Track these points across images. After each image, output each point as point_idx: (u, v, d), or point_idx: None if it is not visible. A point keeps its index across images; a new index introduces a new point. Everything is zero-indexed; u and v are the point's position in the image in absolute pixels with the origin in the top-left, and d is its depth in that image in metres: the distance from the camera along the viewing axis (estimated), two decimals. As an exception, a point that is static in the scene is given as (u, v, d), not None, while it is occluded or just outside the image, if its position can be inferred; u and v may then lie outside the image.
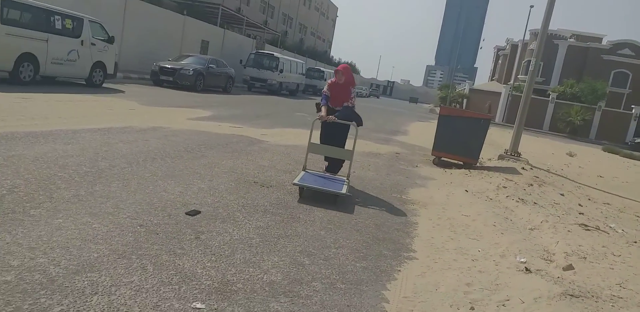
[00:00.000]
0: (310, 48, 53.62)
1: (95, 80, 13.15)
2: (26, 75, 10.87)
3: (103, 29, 13.31)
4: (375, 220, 4.73)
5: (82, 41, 12.36)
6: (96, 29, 13.01)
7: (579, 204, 6.83)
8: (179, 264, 2.97)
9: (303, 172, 5.42)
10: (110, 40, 13.44)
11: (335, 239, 3.97)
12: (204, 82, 18.44)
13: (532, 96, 14.99)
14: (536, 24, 14.11)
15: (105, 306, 2.35)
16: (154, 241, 3.27)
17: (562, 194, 7.25)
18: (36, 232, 3.07)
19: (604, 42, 47.26)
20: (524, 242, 4.38)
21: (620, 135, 34.01)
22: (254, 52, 27.48)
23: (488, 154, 10.76)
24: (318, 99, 6.17)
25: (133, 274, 2.73)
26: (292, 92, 28.62)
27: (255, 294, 2.76)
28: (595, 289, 3.36)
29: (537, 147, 17.08)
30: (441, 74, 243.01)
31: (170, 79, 17.49)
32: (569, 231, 4.87)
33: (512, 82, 41.26)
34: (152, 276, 2.75)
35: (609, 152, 21.30)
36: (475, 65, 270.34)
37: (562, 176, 9.62)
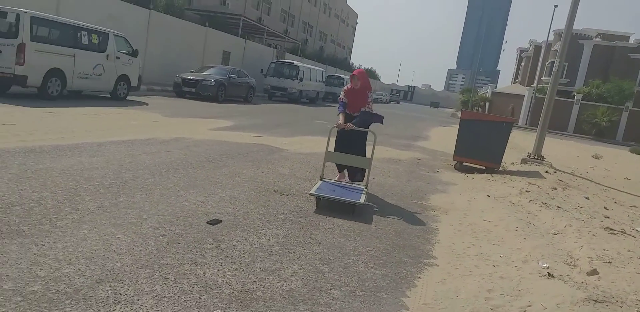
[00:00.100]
0: (330, 55, 53.89)
1: (119, 93, 13.48)
2: (54, 90, 11.21)
3: (127, 42, 13.66)
4: (395, 227, 4.72)
5: (107, 55, 12.70)
6: (121, 43, 13.36)
7: (605, 208, 6.68)
8: (200, 273, 3.02)
9: (320, 182, 5.38)
10: (134, 53, 13.78)
11: (355, 246, 3.98)
12: (225, 92, 18.70)
13: (556, 98, 14.76)
14: (560, 24, 13.92)
15: (128, 315, 2.41)
16: (176, 250, 3.33)
17: (587, 198, 7.11)
18: (62, 243, 3.17)
19: (632, 40, 46.18)
20: (547, 247, 4.31)
21: (650, 136, 33.09)
22: (274, 61, 27.76)
23: (511, 158, 10.61)
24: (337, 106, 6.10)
25: (155, 283, 2.80)
26: (312, 100, 28.76)
27: (275, 302, 2.79)
28: (621, 294, 3.29)
29: (562, 150, 16.76)
30: (463, 78, 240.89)
31: (193, 90, 17.80)
32: (593, 235, 4.77)
33: (535, 84, 40.61)
34: (174, 285, 2.81)
35: (636, 153, 20.72)
36: (497, 68, 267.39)
37: (587, 179, 9.42)
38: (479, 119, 9.15)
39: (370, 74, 70.12)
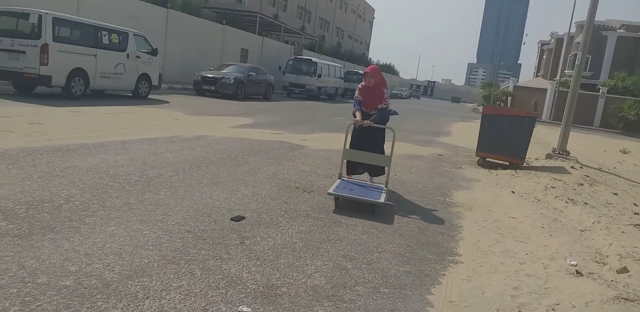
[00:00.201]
0: (348, 51, 53.72)
1: (141, 92, 13.67)
2: (77, 90, 11.42)
3: (147, 41, 13.83)
4: (418, 223, 4.70)
5: (127, 54, 12.89)
6: (140, 42, 13.53)
7: (635, 204, 6.53)
8: (226, 269, 3.06)
9: (339, 180, 5.22)
10: (154, 52, 13.95)
11: (378, 243, 3.97)
12: (244, 90, 18.81)
13: (580, 91, 14.46)
14: (582, 15, 13.61)
15: (157, 310, 2.45)
16: (201, 246, 3.37)
17: (616, 194, 6.95)
18: (91, 239, 3.23)
19: (657, 31, 44.93)
20: (574, 244, 4.23)
21: (680, 130, 32.18)
22: (292, 58, 27.80)
23: (535, 153, 10.45)
24: None
25: (182, 279, 2.83)
26: (331, 96, 28.73)
27: (299, 298, 2.81)
28: (653, 293, 3.21)
29: (588, 144, 16.43)
30: (484, 72, 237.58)
31: (213, 88, 17.95)
32: (623, 232, 4.66)
33: (558, 77, 39.84)
34: (200, 281, 2.85)
35: (666, 147, 20.19)
36: (518, 62, 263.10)
37: (615, 175, 9.22)
38: (501, 114, 9.03)
39: (389, 69, 69.70)
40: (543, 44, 59.63)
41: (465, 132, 16.25)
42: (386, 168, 5.39)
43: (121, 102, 12.17)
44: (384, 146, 5.71)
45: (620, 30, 44.66)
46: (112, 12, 16.49)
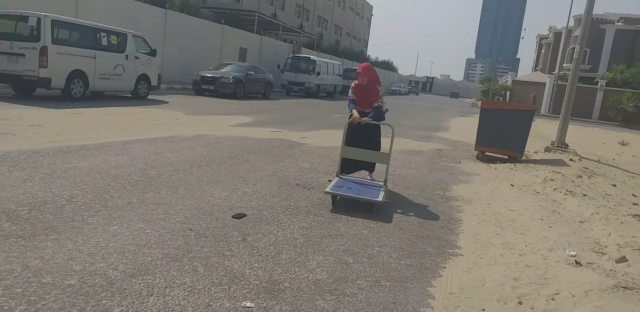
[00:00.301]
0: (347, 49, 53.67)
1: (140, 92, 13.69)
2: (77, 92, 11.45)
3: (145, 42, 13.85)
4: (418, 218, 4.73)
5: (126, 56, 12.90)
6: (139, 43, 13.55)
7: (633, 195, 6.56)
8: (228, 266, 3.09)
9: (337, 179, 5.16)
10: (152, 53, 13.96)
11: (378, 237, 4.01)
12: (243, 89, 18.82)
13: (579, 84, 14.46)
14: (580, 9, 13.62)
15: (161, 307, 2.49)
16: (204, 244, 3.41)
17: (614, 185, 6.98)
18: (95, 238, 3.27)
19: (655, 23, 44.84)
20: (573, 235, 4.27)
21: (679, 121, 32.14)
22: (290, 56, 27.80)
23: (534, 146, 10.47)
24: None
25: (185, 276, 2.87)
26: (330, 94, 28.74)
27: (301, 293, 2.84)
28: (651, 281, 3.25)
29: (586, 137, 16.45)
30: (482, 67, 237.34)
31: (212, 87, 17.97)
32: (621, 222, 4.70)
33: (556, 71, 39.82)
34: (204, 277, 2.88)
35: (666, 138, 20.20)
36: (517, 56, 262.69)
37: (614, 166, 9.24)
38: (500, 108, 9.05)
39: (388, 65, 69.60)
40: (541, 38, 59.56)
41: (464, 127, 16.27)
42: (386, 165, 5.27)
43: (121, 103, 12.20)
44: (381, 142, 5.64)
45: (619, 23, 44.59)
46: (110, 14, 16.51)
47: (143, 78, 13.64)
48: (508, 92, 43.50)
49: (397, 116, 18.49)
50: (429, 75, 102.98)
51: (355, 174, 5.77)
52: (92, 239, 3.25)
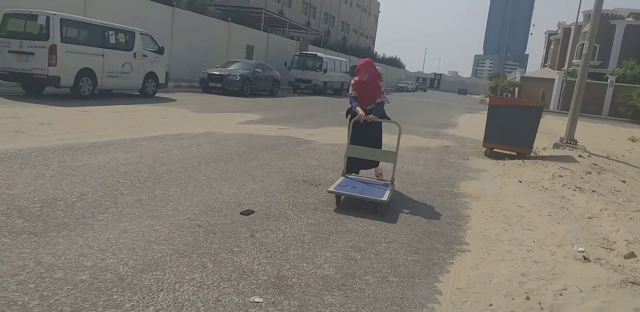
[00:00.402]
0: (354, 45, 53.51)
1: (148, 90, 13.77)
2: (86, 90, 11.54)
3: (153, 40, 13.91)
4: (425, 214, 4.74)
5: (134, 54, 12.98)
6: (147, 41, 13.62)
7: (643, 191, 6.52)
8: (237, 261, 3.12)
9: (342, 178, 5.05)
10: (160, 51, 14.03)
11: (386, 234, 4.02)
12: (250, 86, 18.86)
13: (588, 80, 14.37)
14: (589, 5, 13.49)
15: (171, 302, 2.52)
16: (212, 240, 3.44)
17: (624, 181, 6.94)
18: (105, 235, 3.31)
19: (666, 18, 44.32)
20: (581, 231, 4.25)
21: (690, 117, 31.77)
22: (297, 53, 27.79)
23: (543, 143, 10.42)
24: None
25: (195, 272, 2.90)
26: (337, 91, 28.71)
27: (309, 288, 2.86)
28: (660, 277, 3.23)
29: (596, 133, 16.33)
30: (490, 63, 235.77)
31: (219, 85, 18.02)
32: (630, 218, 4.68)
33: (566, 67, 39.47)
34: (212, 273, 2.91)
35: (677, 135, 19.97)
36: (526, 53, 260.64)
37: (624, 162, 9.18)
38: (508, 105, 9.02)
39: (395, 62, 69.35)
40: (550, 34, 59.07)
41: (473, 124, 16.20)
42: (393, 164, 5.12)
43: (129, 101, 12.27)
44: (383, 139, 5.55)
45: (629, 19, 44.10)
46: (118, 12, 16.58)
47: (151, 76, 13.71)
48: (516, 89, 43.26)
49: (404, 113, 18.45)
50: (436, 72, 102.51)
51: (362, 172, 5.72)
52: (103, 236, 3.29)
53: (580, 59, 11.73)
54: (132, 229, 3.46)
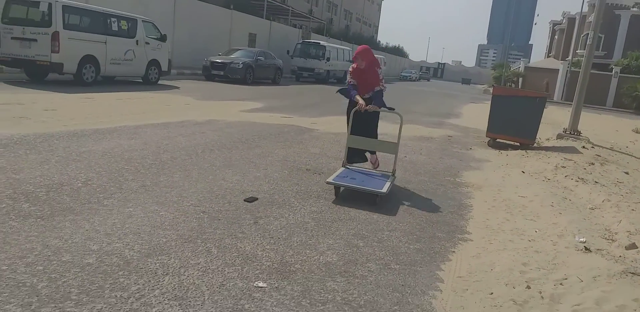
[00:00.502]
0: (356, 34, 53.16)
1: (151, 77, 13.74)
2: (89, 77, 11.52)
3: (155, 28, 13.85)
4: (428, 203, 4.76)
5: (137, 41, 12.93)
6: (149, 28, 13.55)
7: (645, 182, 6.53)
8: (241, 247, 3.15)
9: (342, 169, 4.97)
10: (162, 38, 13.97)
11: (388, 222, 4.05)
12: (253, 74, 18.81)
13: (593, 71, 14.28)
14: (595, -6, 13.36)
15: (176, 285, 2.56)
16: (217, 226, 3.47)
17: (627, 173, 6.95)
18: (110, 220, 3.34)
19: (672, 9, 43.84)
20: (583, 222, 4.28)
21: (695, 108, 31.60)
22: (300, 42, 27.64)
23: (546, 133, 10.41)
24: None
25: (199, 257, 2.94)
26: (340, 79, 28.56)
27: (312, 274, 2.90)
28: (660, 267, 3.26)
29: (600, 124, 16.29)
30: (494, 53, 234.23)
31: (221, 73, 17.97)
32: (633, 209, 4.70)
33: (570, 57, 39.23)
34: (217, 258, 2.95)
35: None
36: (530, 42, 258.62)
37: (627, 154, 9.17)
38: (512, 95, 8.99)
39: (398, 51, 68.92)
40: (555, 24, 58.58)
41: (476, 114, 16.16)
42: (394, 156, 5.01)
43: (132, 88, 12.26)
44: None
45: (634, 9, 43.64)
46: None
47: (154, 63, 13.68)
48: (520, 79, 43.02)
49: (407, 102, 18.41)
50: (440, 61, 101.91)
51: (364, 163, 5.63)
52: (109, 220, 3.32)
53: (584, 49, 11.64)
54: (137, 215, 3.50)
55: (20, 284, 2.38)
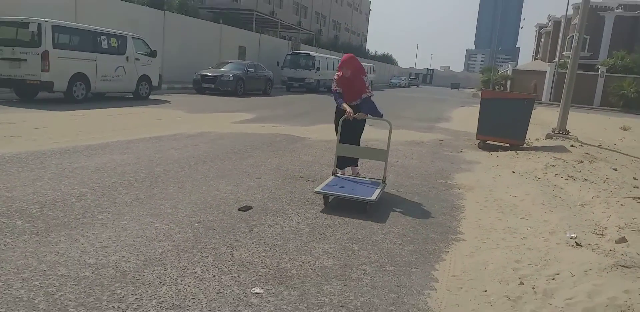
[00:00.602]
0: (345, 44, 53.60)
1: (141, 93, 13.80)
2: (79, 94, 11.56)
3: (145, 44, 13.94)
4: (421, 205, 4.81)
5: (127, 57, 13.01)
6: (139, 44, 13.64)
7: (634, 178, 6.62)
8: (237, 255, 3.18)
9: (332, 177, 4.94)
10: (152, 54, 14.06)
11: (382, 225, 4.09)
12: (244, 86, 18.90)
13: (579, 72, 14.49)
14: (576, -4, 13.59)
15: (174, 294, 2.58)
16: (212, 235, 3.50)
17: (615, 169, 7.03)
18: (105, 233, 3.36)
19: (655, 8, 44.58)
20: (574, 219, 4.34)
21: (682, 105, 31.99)
22: (290, 53, 27.84)
23: (535, 134, 10.52)
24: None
25: (196, 266, 2.96)
26: (330, 88, 28.71)
27: (309, 279, 2.93)
28: (650, 259, 3.31)
29: (588, 123, 16.45)
30: (482, 58, 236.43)
31: (212, 86, 18.05)
32: (622, 204, 4.76)
33: (557, 59, 39.68)
34: (213, 267, 2.97)
35: (668, 123, 20.12)
36: (517, 46, 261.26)
37: (615, 151, 9.29)
38: (500, 98, 9.12)
39: (387, 59, 69.42)
40: (541, 27, 59.38)
41: (466, 117, 16.30)
42: (384, 163, 4.99)
43: (123, 104, 12.29)
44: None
45: (618, 10, 44.38)
46: (110, 17, 16.54)
47: (144, 79, 13.75)
48: (509, 82, 43.44)
49: (397, 108, 18.54)
50: (429, 67, 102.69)
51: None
52: (104, 234, 3.34)
53: (570, 51, 11.82)
54: (132, 227, 3.52)
55: (17, 299, 2.39)
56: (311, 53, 27.42)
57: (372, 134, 8.82)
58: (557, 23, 50.32)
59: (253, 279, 2.86)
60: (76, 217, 3.63)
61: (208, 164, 5.86)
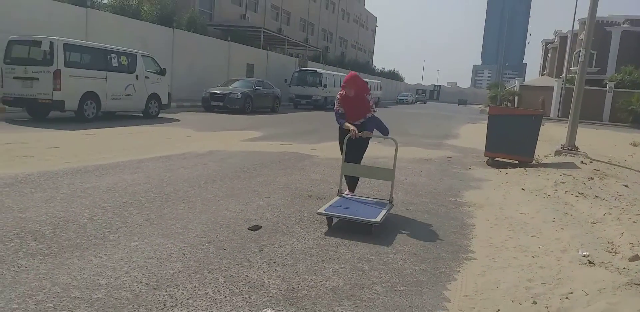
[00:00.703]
0: (352, 60, 54.03)
1: (151, 111, 13.96)
2: (90, 113, 11.72)
3: (155, 62, 14.16)
4: (431, 224, 4.80)
5: (137, 76, 13.21)
6: (149, 62, 13.86)
7: (646, 195, 6.56)
8: (247, 276, 3.19)
9: (337, 198, 4.86)
10: (162, 72, 14.27)
11: (392, 244, 4.08)
12: (252, 104, 19.08)
13: (587, 87, 14.50)
14: (585, 12, 13.69)
15: (185, 316, 2.58)
16: (222, 255, 3.51)
17: (626, 186, 6.99)
18: (117, 254, 3.39)
19: (661, 23, 44.68)
20: (586, 236, 4.30)
21: (692, 120, 31.77)
22: (297, 70, 28.14)
23: (544, 150, 10.49)
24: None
25: (207, 287, 2.97)
26: (338, 105, 28.89)
27: (320, 299, 2.92)
28: (665, 278, 3.27)
29: (597, 139, 16.38)
30: (489, 73, 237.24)
31: (221, 104, 18.25)
32: (634, 222, 4.73)
33: (564, 75, 39.72)
34: (224, 288, 2.98)
35: (679, 138, 19.95)
36: (524, 62, 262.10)
37: (626, 167, 9.23)
38: (508, 114, 9.13)
39: (394, 75, 69.86)
40: (547, 42, 59.65)
41: (474, 134, 16.29)
42: (391, 183, 4.88)
43: (133, 123, 12.44)
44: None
45: (624, 25, 44.50)
46: (119, 35, 16.88)
47: (154, 97, 13.93)
48: (516, 97, 43.43)
49: (405, 125, 18.58)
50: (435, 84, 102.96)
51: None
52: (115, 255, 3.37)
53: (577, 66, 11.85)
54: (144, 248, 3.54)
55: (32, 321, 2.41)
56: (318, 70, 27.70)
57: (380, 151, 8.85)
58: (563, 38, 50.52)
59: (264, 300, 2.86)
60: (88, 238, 3.66)
61: (217, 183, 5.89)
